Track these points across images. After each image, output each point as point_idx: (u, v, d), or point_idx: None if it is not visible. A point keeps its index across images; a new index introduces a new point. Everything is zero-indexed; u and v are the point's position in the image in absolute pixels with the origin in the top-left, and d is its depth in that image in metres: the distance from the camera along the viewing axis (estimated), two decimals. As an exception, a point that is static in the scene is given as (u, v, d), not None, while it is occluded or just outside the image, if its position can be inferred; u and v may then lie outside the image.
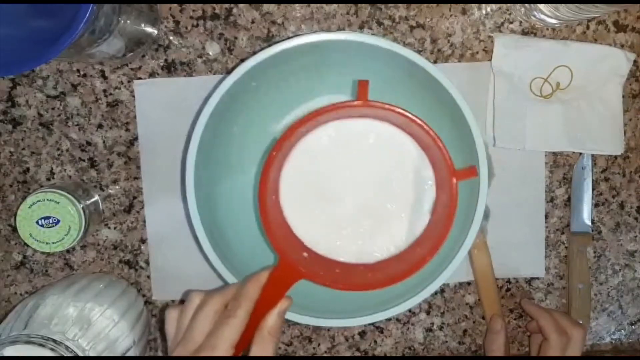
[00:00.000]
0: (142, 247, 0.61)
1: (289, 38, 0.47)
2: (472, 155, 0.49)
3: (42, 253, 0.60)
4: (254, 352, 0.40)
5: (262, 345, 0.41)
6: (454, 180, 0.41)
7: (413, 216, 0.46)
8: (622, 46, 0.59)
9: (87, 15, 0.39)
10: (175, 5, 0.57)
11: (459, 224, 0.51)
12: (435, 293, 0.61)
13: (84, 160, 0.60)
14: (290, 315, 0.49)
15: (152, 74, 0.58)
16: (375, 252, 0.46)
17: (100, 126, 0.59)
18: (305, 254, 0.45)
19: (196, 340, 0.40)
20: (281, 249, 0.42)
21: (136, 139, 0.59)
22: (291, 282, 0.42)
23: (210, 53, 0.58)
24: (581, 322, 0.61)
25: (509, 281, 0.62)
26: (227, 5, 0.57)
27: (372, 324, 0.62)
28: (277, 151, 0.42)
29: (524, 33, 0.58)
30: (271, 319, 0.41)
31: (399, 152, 0.45)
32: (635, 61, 0.59)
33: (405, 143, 0.45)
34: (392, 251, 0.46)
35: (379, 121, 0.45)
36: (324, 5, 0.57)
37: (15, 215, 0.54)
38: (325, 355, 0.63)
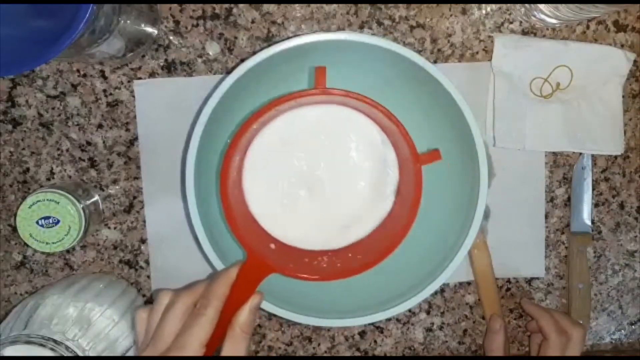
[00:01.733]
0: (142, 247, 0.61)
1: (289, 38, 0.47)
2: (472, 155, 0.49)
3: (42, 253, 0.60)
4: (227, 349, 0.40)
5: (235, 342, 0.40)
6: (419, 165, 0.42)
7: (377, 199, 0.46)
8: (622, 46, 0.59)
9: (87, 15, 0.39)
10: (175, 5, 0.57)
11: (459, 223, 0.51)
12: (435, 293, 0.61)
13: (84, 160, 0.60)
14: (290, 315, 0.49)
15: (152, 74, 0.58)
16: (342, 237, 0.46)
17: (100, 126, 0.59)
18: (272, 245, 0.45)
19: (165, 341, 0.39)
20: (248, 244, 0.42)
21: (136, 139, 0.59)
22: (261, 277, 0.42)
23: (210, 53, 0.58)
24: (581, 322, 0.61)
25: (509, 281, 0.62)
26: (227, 5, 0.57)
27: (372, 324, 0.62)
28: (236, 144, 0.42)
29: (524, 33, 0.58)
30: (243, 316, 0.41)
31: (362, 137, 0.46)
32: (635, 61, 0.59)
33: (368, 128, 0.46)
34: (358, 235, 0.46)
35: (342, 107, 0.45)
36: (324, 5, 0.57)
37: (15, 215, 0.54)
38: (325, 355, 0.63)
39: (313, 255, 0.45)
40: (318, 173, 0.47)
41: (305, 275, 0.43)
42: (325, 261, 0.45)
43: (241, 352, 0.40)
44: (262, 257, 0.42)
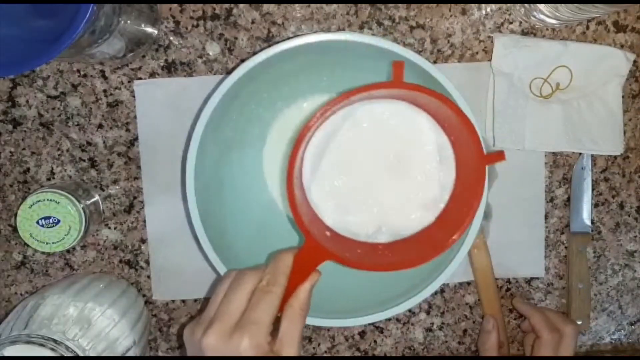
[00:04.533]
0: (142, 247, 0.61)
1: (289, 38, 0.47)
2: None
3: (43, 253, 0.60)
4: (286, 327, 0.40)
5: (294, 320, 0.40)
6: (484, 165, 0.42)
7: (431, 197, 0.46)
8: (621, 46, 0.59)
9: (88, 15, 0.39)
10: (175, 5, 0.57)
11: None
12: (435, 293, 0.61)
13: (84, 160, 0.60)
14: (290, 315, 0.49)
15: (152, 74, 0.58)
16: (394, 232, 0.46)
17: (100, 126, 0.59)
18: (327, 233, 0.45)
19: (233, 316, 0.39)
20: (307, 229, 0.42)
21: (136, 139, 0.59)
22: (317, 263, 0.42)
23: (211, 53, 0.58)
24: (581, 322, 0.61)
25: (508, 281, 0.62)
26: (227, 6, 0.57)
27: (372, 324, 0.63)
28: (305, 134, 0.41)
29: (524, 33, 0.58)
30: (302, 293, 0.41)
31: (421, 133, 0.45)
32: (635, 61, 0.59)
33: (429, 127, 0.45)
34: (410, 231, 0.46)
35: (401, 102, 0.45)
36: (324, 5, 0.57)
37: (15, 215, 0.54)
38: (325, 355, 0.63)
39: (365, 247, 0.45)
40: (375, 167, 0.46)
41: (361, 265, 0.43)
42: (378, 254, 0.45)
43: (299, 330, 0.40)
44: (320, 243, 0.42)
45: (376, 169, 0.46)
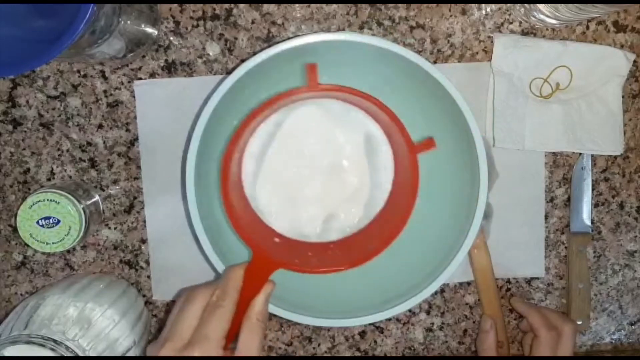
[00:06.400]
0: (142, 247, 0.61)
1: (289, 39, 0.47)
2: (472, 155, 0.49)
3: (43, 253, 0.60)
4: (244, 339, 0.41)
5: (251, 331, 0.41)
6: (414, 153, 0.42)
7: (373, 191, 0.46)
8: (621, 46, 0.59)
9: (88, 15, 0.39)
10: (175, 5, 0.57)
11: (459, 223, 0.51)
12: (435, 293, 0.61)
13: (84, 161, 0.60)
14: (291, 315, 0.49)
15: (152, 75, 0.58)
16: (341, 229, 0.46)
17: (100, 126, 0.59)
18: (276, 239, 0.45)
19: (183, 336, 0.40)
20: (252, 241, 0.43)
21: (136, 139, 0.59)
22: (268, 273, 0.42)
23: (211, 53, 0.58)
24: (581, 322, 0.61)
25: (509, 281, 0.62)
26: (227, 6, 0.57)
27: (372, 324, 0.63)
28: (234, 145, 0.43)
29: (524, 33, 0.58)
30: (258, 304, 0.42)
31: (355, 130, 0.46)
32: (635, 61, 0.59)
33: (361, 120, 0.46)
34: (358, 226, 0.46)
35: (336, 101, 0.45)
36: (324, 5, 0.57)
37: (15, 215, 0.54)
38: (325, 355, 0.63)
39: (316, 248, 0.46)
40: (315, 167, 0.47)
41: (311, 270, 0.43)
42: (329, 254, 0.45)
43: (258, 340, 0.41)
44: (267, 254, 0.43)
45: (314, 166, 0.47)
